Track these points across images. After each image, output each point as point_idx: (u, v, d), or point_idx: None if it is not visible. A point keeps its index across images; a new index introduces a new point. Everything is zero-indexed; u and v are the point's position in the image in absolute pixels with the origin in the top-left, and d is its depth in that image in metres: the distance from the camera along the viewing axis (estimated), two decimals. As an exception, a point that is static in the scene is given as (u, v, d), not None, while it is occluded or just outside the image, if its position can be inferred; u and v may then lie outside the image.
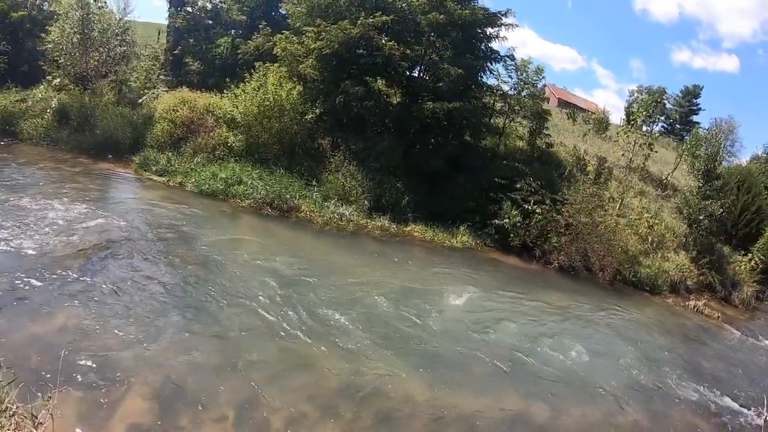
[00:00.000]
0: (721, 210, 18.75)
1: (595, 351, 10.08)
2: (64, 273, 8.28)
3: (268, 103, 15.54)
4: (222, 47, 20.16)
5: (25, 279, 7.87)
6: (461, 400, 6.88)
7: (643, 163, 24.74)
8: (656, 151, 25.52)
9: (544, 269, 16.34)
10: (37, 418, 4.26)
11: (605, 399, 8.09)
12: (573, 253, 16.22)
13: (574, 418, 7.26)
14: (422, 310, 9.73)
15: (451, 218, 15.88)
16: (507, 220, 16.13)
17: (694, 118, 42.49)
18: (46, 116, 19.52)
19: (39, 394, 4.56)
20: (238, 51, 19.64)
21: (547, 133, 20.51)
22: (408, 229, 14.95)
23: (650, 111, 25.73)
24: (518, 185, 16.53)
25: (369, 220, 14.47)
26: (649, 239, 18.20)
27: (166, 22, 22.53)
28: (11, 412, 4.22)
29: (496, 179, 16.36)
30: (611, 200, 19.63)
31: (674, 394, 8.90)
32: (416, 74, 17.80)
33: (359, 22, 15.63)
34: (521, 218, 16.26)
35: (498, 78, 19.52)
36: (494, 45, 18.44)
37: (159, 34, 24.29)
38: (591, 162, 22.00)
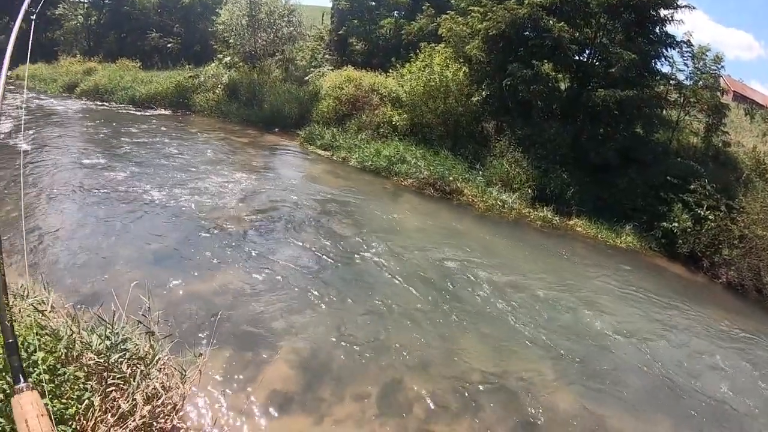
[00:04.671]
0: None
1: (758, 385, 8.90)
2: (228, 236, 8.80)
3: (433, 83, 15.61)
4: (385, 28, 20.62)
5: (192, 239, 8.50)
6: (606, 417, 6.35)
7: (835, 173, 21.42)
8: None
9: (711, 283, 14.77)
10: (185, 373, 4.41)
11: None
12: (744, 269, 14.50)
13: None
14: (578, 313, 9.16)
15: (616, 215, 14.88)
16: (676, 224, 14.78)
17: None
18: (217, 91, 21.53)
19: (192, 349, 4.72)
20: (402, 32, 19.95)
21: (724, 130, 18.35)
22: (571, 223, 14.28)
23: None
24: (692, 186, 15.09)
25: (531, 210, 14.03)
26: None
27: (330, 4, 23.60)
28: (161, 365, 4.42)
29: (668, 177, 15.02)
30: (792, 214, 17.20)
31: None
32: (586, 59, 16.77)
33: (527, 1, 15.06)
34: (692, 223, 14.84)
35: (673, 66, 17.76)
36: (669, 29, 16.79)
37: (323, 16, 25.52)
38: (772, 167, 19.35)
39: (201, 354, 4.62)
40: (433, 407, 5.65)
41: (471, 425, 5.53)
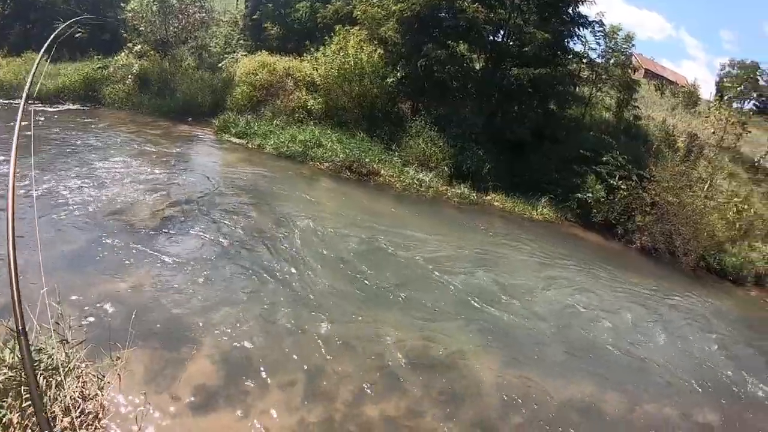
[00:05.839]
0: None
1: (673, 341, 9.33)
2: (142, 233, 8.32)
3: (348, 66, 15.31)
4: (301, 11, 20.08)
5: (104, 237, 7.93)
6: (532, 382, 6.44)
7: (735, 143, 22.91)
8: (750, 132, 23.51)
9: (626, 249, 15.44)
10: (104, 378, 4.25)
11: (681, 395, 7.39)
12: (657, 234, 15.20)
13: (649, 413, 6.69)
14: (497, 284, 9.26)
15: (532, 189, 15.20)
16: (590, 195, 15.29)
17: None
18: (127, 82, 20.27)
19: (109, 353, 4.51)
20: (317, 15, 19.50)
21: (635, 105, 19.19)
22: (488, 198, 14.44)
23: (743, 86, 23.64)
24: (604, 158, 15.62)
25: (449, 187, 14.07)
26: (737, 225, 16.77)
27: (245, -12, 22.70)
28: (78, 372, 4.20)
29: (581, 151, 15.48)
30: (700, 180, 18.22)
31: (755, 396, 7.99)
32: (500, 39, 16.97)
33: (441, -18, 15.04)
34: (605, 193, 15.38)
35: (585, 45, 18.33)
36: (582, 9, 17.28)
37: (237, 1, 24.55)
38: (680, 138, 20.44)
39: (119, 357, 4.39)
40: (360, 388, 5.50)
41: (398, 403, 5.42)
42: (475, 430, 5.40)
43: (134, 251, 7.53)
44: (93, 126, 16.91)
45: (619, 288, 11.36)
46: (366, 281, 8.06)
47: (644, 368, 7.89)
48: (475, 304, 8.20)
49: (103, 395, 4.18)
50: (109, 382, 4.28)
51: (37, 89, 21.40)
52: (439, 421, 5.33)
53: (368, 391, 5.52)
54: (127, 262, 7.20)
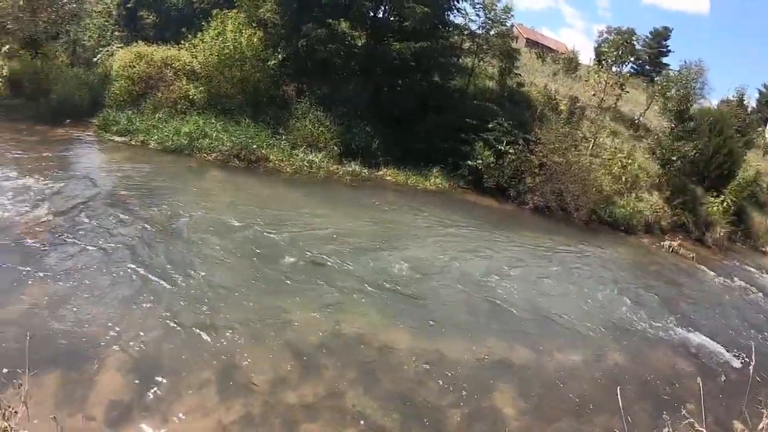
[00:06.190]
0: (694, 151, 19.00)
1: (573, 290, 10.14)
2: (27, 247, 7.85)
3: (227, 51, 14.98)
4: (177, -3, 19.24)
5: None
6: (442, 347, 6.73)
7: (615, 104, 24.91)
8: (627, 92, 25.60)
9: (520, 210, 16.49)
10: (9, 407, 3.98)
11: (585, 340, 8.06)
12: (548, 193, 16.36)
13: (557, 361, 7.22)
14: (397, 257, 9.57)
15: (423, 161, 15.78)
16: (480, 161, 16.09)
17: (664, 60, 42.56)
18: (-3, 87, 18.57)
19: (11, 381, 4.33)
20: (194, 0, 18.74)
21: (517, 72, 20.29)
22: (380, 173, 14.85)
23: (620, 51, 25.64)
24: (490, 125, 16.42)
25: (340, 166, 14.31)
26: (623, 179, 18.44)
27: (116, -24, 21.28)
28: None
29: (467, 120, 16.20)
30: (584, 140, 19.70)
31: (653, 335, 8.96)
32: (381, 15, 17.25)
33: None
34: (494, 159, 16.22)
35: (465, 17, 19.10)
36: (460, -18, 17.95)
37: (110, -11, 23.04)
38: (563, 102, 21.93)
39: (21, 384, 3.96)
40: (275, 378, 5.49)
41: (315, 387, 5.46)
42: (394, 401, 5.58)
43: (24, 270, 7.05)
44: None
45: (516, 247, 12.12)
46: (266, 269, 8.07)
47: (549, 320, 8.49)
48: (379, 279, 8.40)
49: (10, 426, 3.95)
50: (15, 411, 4.00)
51: None
52: (359, 398, 5.46)
53: (285, 378, 5.55)
54: (15, 283, 6.74)
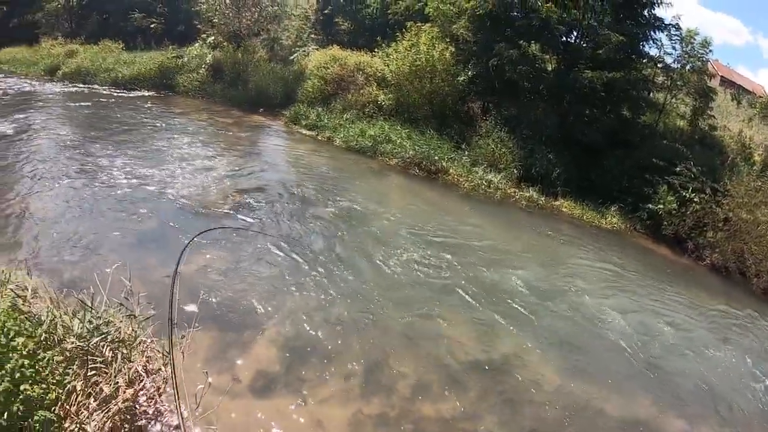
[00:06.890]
0: None
1: (736, 367, 8.87)
2: (212, 217, 8.64)
3: (419, 63, 15.41)
4: (372, 7, 20.35)
5: (175, 220, 8.33)
6: (591, 395, 6.27)
7: (819, 160, 21.59)
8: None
9: (695, 265, 14.81)
10: (169, 354, 4.22)
11: (746, 424, 6.97)
12: (728, 252, 14.58)
13: None
14: (563, 292, 9.11)
15: (601, 197, 14.86)
16: (662, 206, 14.78)
17: None
18: (200, 71, 21.14)
19: (175, 332, 4.52)
20: (388, 11, 19.69)
21: (711, 114, 18.38)
22: (556, 203, 14.23)
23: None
24: (677, 169, 15.08)
25: (517, 190, 13.96)
26: None
27: (316, -16, 23.14)
28: (143, 347, 4.32)
29: (654, 159, 15.01)
30: (778, 199, 17.29)
31: None
32: (573, 40, 16.65)
33: (514, -19, 14.89)
34: (677, 205, 14.85)
35: (660, 49, 17.71)
36: (658, 12, 16.80)
37: (309, -5, 25.12)
38: (757, 151, 19.44)
39: (184, 336, 4.50)
40: (416, 385, 5.52)
41: (453, 404, 5.42)
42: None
43: (203, 236, 7.65)
44: (168, 113, 17.74)
45: (688, 305, 10.96)
46: (434, 279, 8.06)
47: (707, 395, 7.50)
48: (538, 311, 8.05)
49: (166, 371, 4.26)
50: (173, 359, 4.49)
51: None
52: (495, 427, 5.29)
53: (426, 388, 5.53)
54: (197, 245, 7.29)
